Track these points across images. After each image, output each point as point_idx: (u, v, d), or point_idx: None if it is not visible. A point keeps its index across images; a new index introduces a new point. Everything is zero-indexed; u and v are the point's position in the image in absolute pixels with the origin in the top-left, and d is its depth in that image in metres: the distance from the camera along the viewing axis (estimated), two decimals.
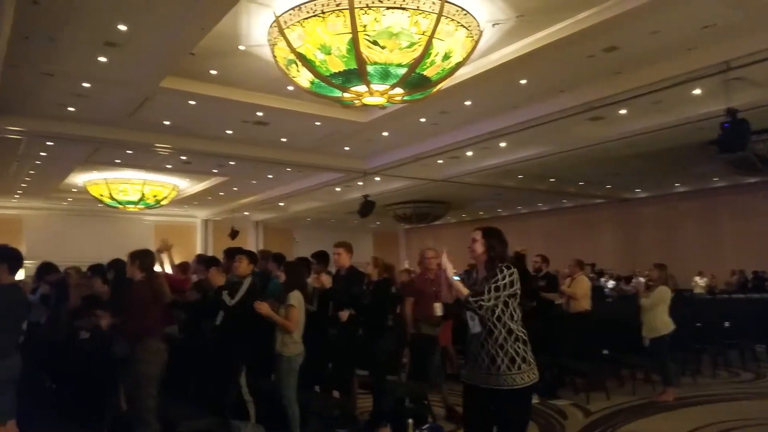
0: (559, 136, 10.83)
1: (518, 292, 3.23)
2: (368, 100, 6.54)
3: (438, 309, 5.80)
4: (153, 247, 5.48)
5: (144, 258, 4.70)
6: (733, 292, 14.95)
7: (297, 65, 6.22)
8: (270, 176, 15.18)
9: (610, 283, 16.71)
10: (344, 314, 5.42)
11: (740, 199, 17.00)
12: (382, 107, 7.68)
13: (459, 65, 6.46)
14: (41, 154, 11.85)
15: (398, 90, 6.39)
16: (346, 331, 5.51)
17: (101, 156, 12.37)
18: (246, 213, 21.32)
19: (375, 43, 5.64)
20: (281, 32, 5.85)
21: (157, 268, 5.22)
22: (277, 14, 5.83)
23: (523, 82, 8.37)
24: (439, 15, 5.55)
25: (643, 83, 8.03)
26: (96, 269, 6.41)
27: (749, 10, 6.37)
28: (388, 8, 5.45)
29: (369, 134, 11.17)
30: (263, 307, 4.76)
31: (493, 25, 6.70)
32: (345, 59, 5.84)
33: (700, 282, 16.16)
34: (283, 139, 11.55)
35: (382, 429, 5.00)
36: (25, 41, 6.56)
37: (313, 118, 9.96)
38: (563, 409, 6.17)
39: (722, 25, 6.67)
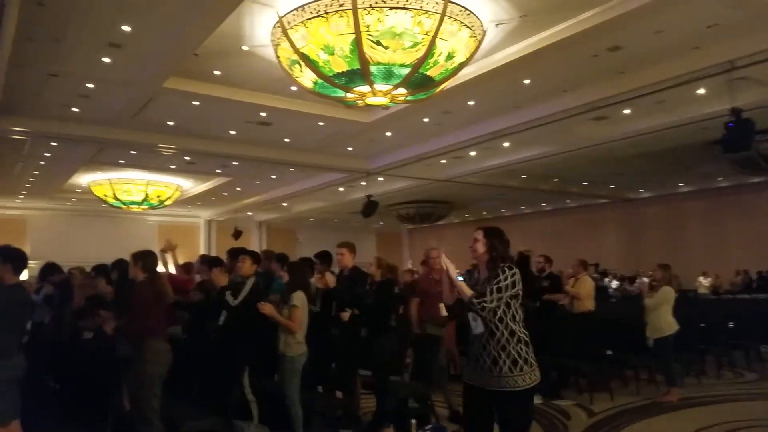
0: (562, 136, 10.81)
1: (520, 292, 3.21)
2: (371, 100, 6.54)
3: (443, 309, 5.79)
4: (157, 248, 5.49)
5: (146, 259, 4.70)
6: (737, 293, 14.92)
7: (300, 65, 6.22)
8: (273, 176, 15.20)
9: (614, 284, 16.68)
10: (346, 314, 5.42)
11: (745, 198, 16.95)
12: (385, 107, 7.68)
13: (462, 65, 6.45)
14: (45, 154, 11.89)
15: (401, 90, 6.39)
16: (349, 332, 5.51)
17: (105, 156, 12.42)
18: (249, 213, 21.35)
19: (378, 43, 5.64)
20: (284, 33, 5.85)
21: (161, 268, 5.23)
22: (281, 15, 5.83)
23: (527, 81, 8.36)
24: (443, 15, 5.55)
25: (646, 83, 8.01)
26: (100, 269, 6.43)
27: (753, 10, 6.34)
28: (391, 8, 5.45)
29: (372, 134, 11.17)
30: (267, 308, 4.77)
31: (497, 25, 6.69)
32: (348, 59, 5.84)
33: (704, 282, 16.12)
34: (287, 140, 11.56)
35: (385, 429, 4.99)
36: (30, 42, 6.58)
37: (316, 119, 9.97)
38: (567, 410, 6.16)
39: (726, 25, 6.64)
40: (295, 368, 4.76)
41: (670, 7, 6.17)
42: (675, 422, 5.80)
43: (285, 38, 5.92)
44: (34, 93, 8.43)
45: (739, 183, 16.55)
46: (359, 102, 6.69)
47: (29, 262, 4.34)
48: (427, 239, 24.15)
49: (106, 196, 15.39)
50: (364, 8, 5.41)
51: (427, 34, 5.66)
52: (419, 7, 5.49)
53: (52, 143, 10.97)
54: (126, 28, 6.36)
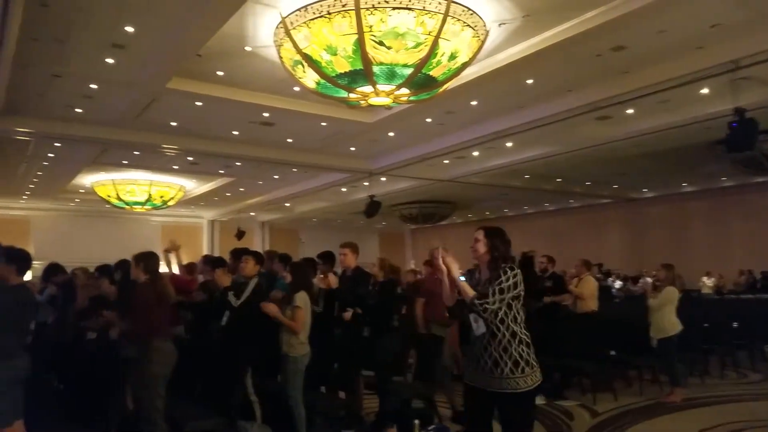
0: (565, 136, 10.79)
1: (522, 293, 3.19)
2: (374, 100, 6.53)
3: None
4: (160, 248, 5.50)
5: (148, 260, 4.72)
6: (741, 293, 14.88)
7: (303, 66, 6.23)
8: (276, 177, 15.21)
9: (617, 284, 16.63)
10: (348, 314, 5.42)
11: (748, 198, 16.89)
12: (388, 107, 7.68)
13: (465, 65, 6.44)
14: (49, 155, 11.92)
15: (404, 90, 6.38)
16: (351, 331, 5.51)
17: (108, 157, 12.44)
18: (252, 213, 21.37)
19: (381, 43, 5.64)
20: (287, 33, 5.86)
21: (165, 268, 5.25)
22: (284, 15, 5.83)
23: (530, 81, 8.35)
24: (445, 15, 5.54)
25: (650, 82, 7.99)
26: (103, 270, 6.44)
27: (757, 9, 6.32)
28: (394, 9, 5.44)
29: (375, 134, 11.17)
30: (270, 308, 4.77)
31: (500, 24, 6.69)
32: (351, 60, 5.84)
33: (708, 282, 16.07)
34: (289, 140, 11.57)
35: (388, 429, 4.98)
36: (34, 43, 6.60)
37: (319, 119, 9.97)
38: (570, 410, 6.15)
39: (730, 24, 6.62)
40: (298, 369, 4.76)
41: (673, 7, 6.15)
42: (678, 423, 5.79)
43: (288, 39, 5.92)
44: (38, 94, 8.46)
45: (743, 183, 16.49)
46: (362, 102, 6.69)
47: (33, 262, 4.35)
48: (430, 239, 24.16)
49: (109, 196, 15.43)
50: (367, 8, 5.41)
51: (429, 34, 5.66)
52: (422, 7, 5.48)
53: (56, 144, 10.99)
54: (129, 29, 6.37)
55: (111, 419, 4.75)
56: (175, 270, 6.54)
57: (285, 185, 16.49)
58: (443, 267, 3.27)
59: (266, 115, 9.74)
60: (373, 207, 14.05)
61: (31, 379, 3.90)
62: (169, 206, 16.90)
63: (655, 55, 7.44)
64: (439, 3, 5.50)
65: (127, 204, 15.70)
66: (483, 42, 6.30)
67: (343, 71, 6.02)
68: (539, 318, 6.71)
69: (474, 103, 9.29)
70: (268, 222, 23.55)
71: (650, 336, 6.76)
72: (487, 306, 3.08)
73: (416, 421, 3.91)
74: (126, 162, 13.09)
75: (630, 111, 9.43)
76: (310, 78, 6.43)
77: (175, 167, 13.82)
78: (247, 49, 7.26)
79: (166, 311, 4.74)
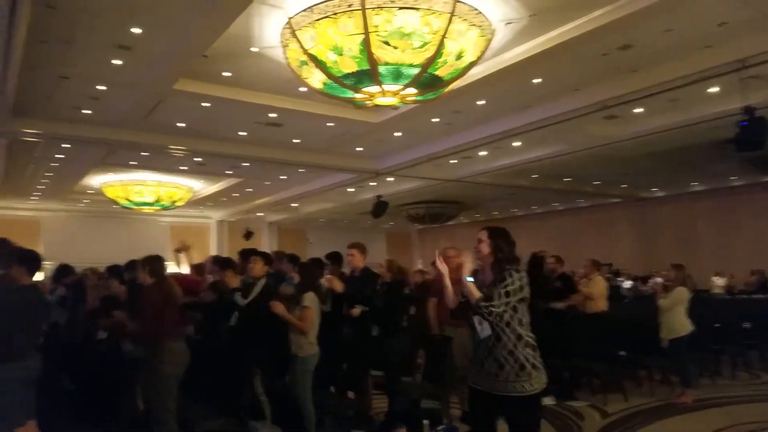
0: (573, 136, 10.74)
1: (527, 296, 3.15)
2: (380, 100, 6.53)
3: None
4: (169, 248, 5.53)
5: (153, 263, 4.78)
6: (752, 293, 14.73)
7: (309, 66, 6.23)
8: (283, 177, 15.22)
9: (627, 284, 16.51)
10: (356, 310, 5.42)
11: (759, 197, 16.75)
12: (394, 107, 7.67)
13: (472, 65, 6.43)
14: (57, 156, 11.98)
15: (410, 90, 6.37)
16: (360, 331, 5.51)
17: (116, 158, 12.50)
18: (260, 214, 21.41)
19: (387, 43, 5.63)
20: (293, 34, 5.86)
21: (174, 268, 5.27)
22: (290, 16, 5.84)
23: (537, 81, 8.32)
24: (452, 15, 5.53)
25: (658, 81, 7.93)
26: (113, 270, 6.48)
27: (764, 8, 6.27)
28: (399, 8, 5.43)
29: (381, 134, 11.16)
30: (278, 308, 4.78)
31: (506, 24, 6.67)
32: (357, 60, 5.83)
33: (719, 282, 15.92)
34: (296, 140, 11.58)
35: (397, 429, 4.98)
36: (41, 45, 6.63)
37: (326, 119, 9.98)
38: (580, 411, 6.12)
39: (738, 23, 6.57)
40: (306, 369, 4.77)
41: (680, 6, 6.11)
42: (690, 423, 5.75)
43: (294, 39, 5.93)
44: (46, 95, 8.50)
45: (753, 182, 16.35)
46: (368, 102, 6.69)
47: (43, 263, 4.38)
48: (438, 239, 24.13)
49: (118, 197, 15.50)
50: (373, 8, 5.40)
51: (436, 34, 5.65)
52: (428, 7, 5.47)
53: (64, 145, 11.03)
54: (136, 31, 6.39)
55: (122, 419, 4.77)
56: (186, 270, 6.56)
57: (292, 185, 16.50)
58: (442, 269, 3.25)
59: (273, 115, 9.75)
60: (380, 207, 14.03)
61: (43, 379, 3.92)
62: (177, 207, 16.97)
63: (663, 54, 7.40)
64: (445, 2, 5.48)
65: (135, 205, 15.78)
66: (489, 41, 6.29)
67: (349, 71, 6.01)
68: (547, 319, 6.68)
69: (481, 102, 9.27)
70: (276, 222, 23.59)
71: (661, 336, 6.71)
72: (492, 309, 3.04)
73: (426, 421, 3.90)
74: (134, 163, 13.14)
75: (638, 110, 9.37)
76: (316, 78, 6.43)
77: (182, 168, 13.85)
78: (254, 49, 7.27)
79: (174, 312, 4.76)
